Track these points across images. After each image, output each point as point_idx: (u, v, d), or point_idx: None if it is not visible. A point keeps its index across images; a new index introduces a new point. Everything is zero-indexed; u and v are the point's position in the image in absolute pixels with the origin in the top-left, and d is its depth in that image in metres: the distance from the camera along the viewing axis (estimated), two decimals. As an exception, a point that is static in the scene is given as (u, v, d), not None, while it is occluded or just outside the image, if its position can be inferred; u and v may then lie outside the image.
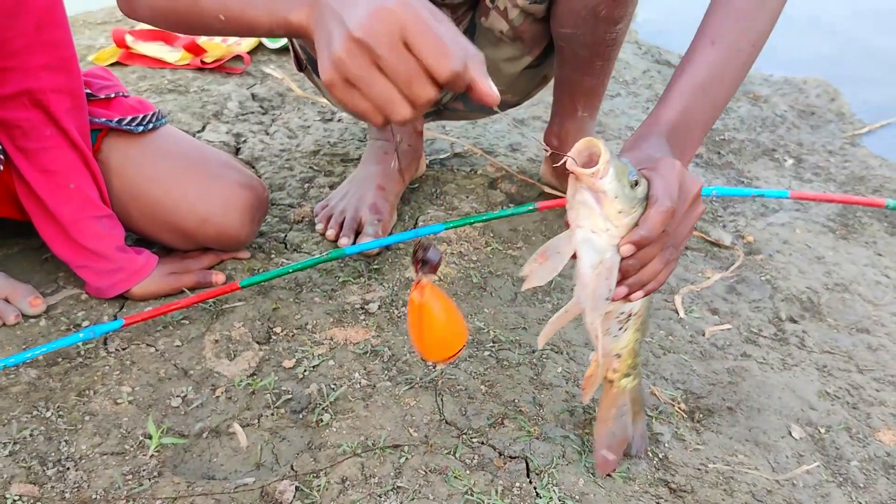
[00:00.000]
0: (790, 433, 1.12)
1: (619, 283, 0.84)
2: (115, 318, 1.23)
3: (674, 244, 0.87)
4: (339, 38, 0.71)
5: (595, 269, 0.83)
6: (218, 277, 1.30)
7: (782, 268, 1.49)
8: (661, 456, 1.06)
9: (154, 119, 1.28)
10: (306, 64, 1.50)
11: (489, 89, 0.73)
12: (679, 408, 1.14)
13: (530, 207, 1.45)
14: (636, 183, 0.80)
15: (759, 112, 2.22)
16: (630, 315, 0.91)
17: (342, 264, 1.38)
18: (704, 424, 1.13)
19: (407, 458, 1.01)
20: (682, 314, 1.33)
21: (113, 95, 1.28)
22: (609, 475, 1.02)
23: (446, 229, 1.42)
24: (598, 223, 0.81)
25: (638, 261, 0.83)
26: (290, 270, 1.29)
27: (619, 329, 0.92)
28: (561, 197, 1.54)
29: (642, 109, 2.17)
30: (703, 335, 1.29)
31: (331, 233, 1.45)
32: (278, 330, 1.23)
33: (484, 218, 1.44)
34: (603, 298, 0.83)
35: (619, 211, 0.80)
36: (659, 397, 1.15)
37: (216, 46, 2.25)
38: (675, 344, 1.27)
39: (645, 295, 0.87)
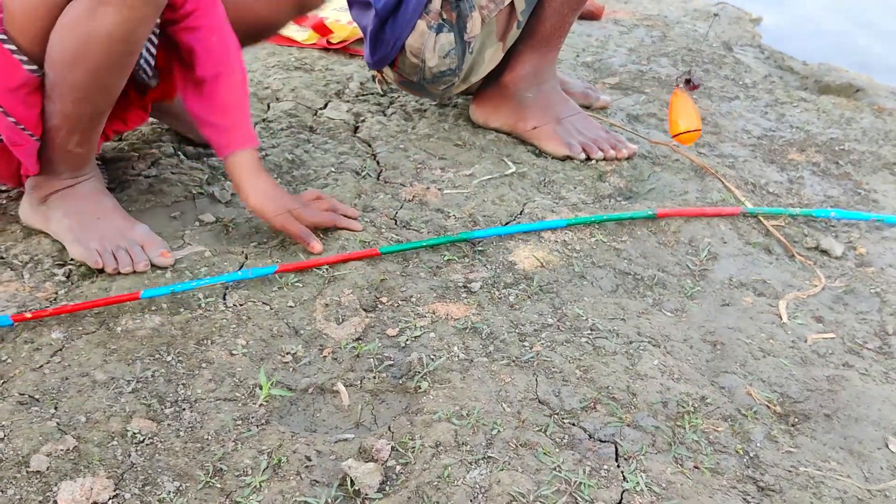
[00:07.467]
0: (887, 445, 1.10)
1: None
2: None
3: None
4: None
5: None
6: (316, 246, 1.37)
7: (894, 282, 1.46)
8: (751, 454, 1.06)
9: None
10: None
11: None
12: (774, 410, 1.14)
13: (649, 213, 1.47)
14: None
15: (883, 125, 2.16)
16: None
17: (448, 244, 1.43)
18: (799, 429, 1.12)
19: (499, 431, 1.05)
20: (785, 319, 1.32)
21: None
22: (696, 467, 1.03)
23: (568, 225, 1.45)
24: None
25: None
26: (424, 245, 1.40)
27: None
28: (679, 207, 1.55)
29: (760, 113, 2.14)
30: (805, 342, 1.28)
31: None
32: (384, 300, 1.29)
33: (602, 218, 1.46)
34: None
35: None
36: (754, 398, 1.15)
37: (342, 28, 2.33)
38: (776, 348, 1.26)
39: None
